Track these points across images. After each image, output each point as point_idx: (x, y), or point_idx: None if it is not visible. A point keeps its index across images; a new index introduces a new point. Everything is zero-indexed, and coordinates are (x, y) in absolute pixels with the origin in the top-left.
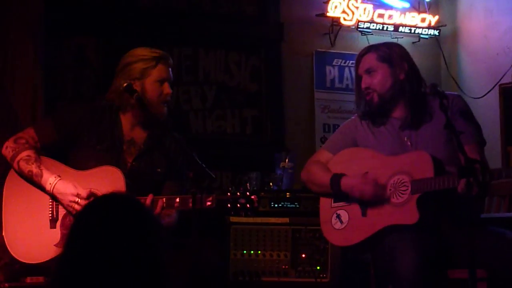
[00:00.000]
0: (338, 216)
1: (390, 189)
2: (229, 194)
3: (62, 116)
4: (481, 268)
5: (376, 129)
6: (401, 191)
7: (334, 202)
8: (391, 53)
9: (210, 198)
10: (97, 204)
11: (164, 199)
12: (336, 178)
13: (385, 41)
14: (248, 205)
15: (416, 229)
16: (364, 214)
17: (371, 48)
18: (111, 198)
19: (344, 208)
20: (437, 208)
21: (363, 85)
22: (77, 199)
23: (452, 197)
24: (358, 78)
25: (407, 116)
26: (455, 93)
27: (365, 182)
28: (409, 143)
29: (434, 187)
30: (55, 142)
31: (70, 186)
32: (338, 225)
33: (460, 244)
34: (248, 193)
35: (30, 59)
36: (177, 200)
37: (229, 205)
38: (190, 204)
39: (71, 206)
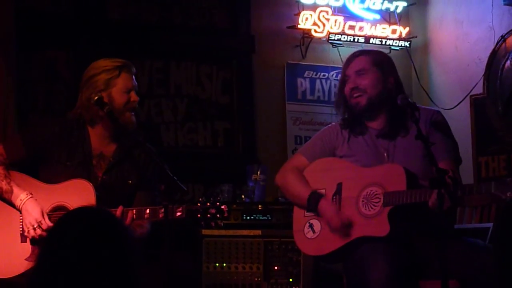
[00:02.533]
0: (311, 226)
1: (362, 201)
2: (199, 204)
3: (31, 133)
4: (454, 279)
5: (354, 138)
6: (373, 203)
7: (308, 211)
8: (384, 60)
9: (180, 209)
10: (69, 217)
11: (134, 210)
12: (315, 197)
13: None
14: (218, 215)
15: (388, 240)
16: None
17: (364, 52)
18: (82, 211)
19: (317, 217)
20: (408, 220)
21: (351, 85)
22: (36, 225)
23: (424, 210)
24: (345, 78)
25: (385, 126)
26: (435, 108)
27: (335, 216)
28: (385, 155)
29: (405, 200)
30: (23, 158)
31: (38, 211)
32: (310, 235)
33: (432, 255)
34: (218, 203)
35: (1, 74)
36: (147, 211)
37: (199, 215)
38: (161, 215)
39: (28, 228)
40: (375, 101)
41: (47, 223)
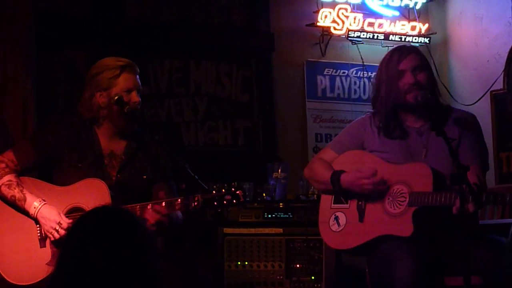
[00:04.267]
0: (336, 218)
1: (388, 198)
2: (214, 192)
3: (40, 137)
4: (477, 275)
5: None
6: (399, 202)
7: (334, 203)
8: (426, 58)
9: (196, 198)
10: (86, 219)
11: (150, 204)
12: (336, 174)
13: (376, 49)
14: (234, 201)
15: (411, 240)
16: (361, 219)
17: (413, 49)
18: (99, 212)
19: (343, 210)
20: (433, 220)
21: (410, 80)
22: (57, 227)
23: (449, 211)
24: (399, 73)
25: (424, 124)
26: (470, 112)
27: (362, 177)
28: (424, 151)
29: (430, 203)
30: (35, 164)
31: (55, 213)
32: (335, 227)
33: (455, 252)
34: (233, 189)
35: (20, 74)
36: (163, 204)
37: (215, 203)
38: (177, 206)
39: (51, 233)
40: (429, 98)
41: (66, 221)
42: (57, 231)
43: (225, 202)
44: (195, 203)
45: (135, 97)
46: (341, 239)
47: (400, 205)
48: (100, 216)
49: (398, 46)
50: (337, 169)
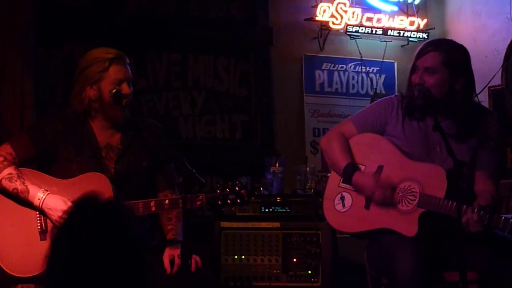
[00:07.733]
0: (342, 198)
1: (398, 193)
2: (218, 191)
3: (36, 130)
4: (473, 270)
5: (409, 122)
6: (408, 199)
7: (342, 182)
8: (456, 58)
9: (200, 197)
10: (76, 212)
11: (153, 202)
12: (350, 169)
13: (374, 44)
14: (238, 200)
15: (414, 238)
16: (367, 207)
17: (439, 47)
18: (87, 204)
19: (350, 192)
20: (438, 222)
21: (417, 79)
22: (66, 216)
23: (456, 221)
24: (414, 67)
25: (451, 125)
26: (496, 113)
27: (376, 186)
28: (438, 149)
29: (440, 210)
30: (33, 156)
31: (60, 202)
32: (339, 207)
33: (453, 247)
34: (237, 188)
35: (19, 67)
36: (167, 202)
37: (219, 202)
38: (181, 205)
39: (60, 223)
40: (436, 102)
41: None
42: None
43: (228, 201)
44: (199, 203)
45: (126, 88)
46: (343, 221)
47: (409, 203)
48: (90, 210)
49: (432, 40)
50: (353, 148)
